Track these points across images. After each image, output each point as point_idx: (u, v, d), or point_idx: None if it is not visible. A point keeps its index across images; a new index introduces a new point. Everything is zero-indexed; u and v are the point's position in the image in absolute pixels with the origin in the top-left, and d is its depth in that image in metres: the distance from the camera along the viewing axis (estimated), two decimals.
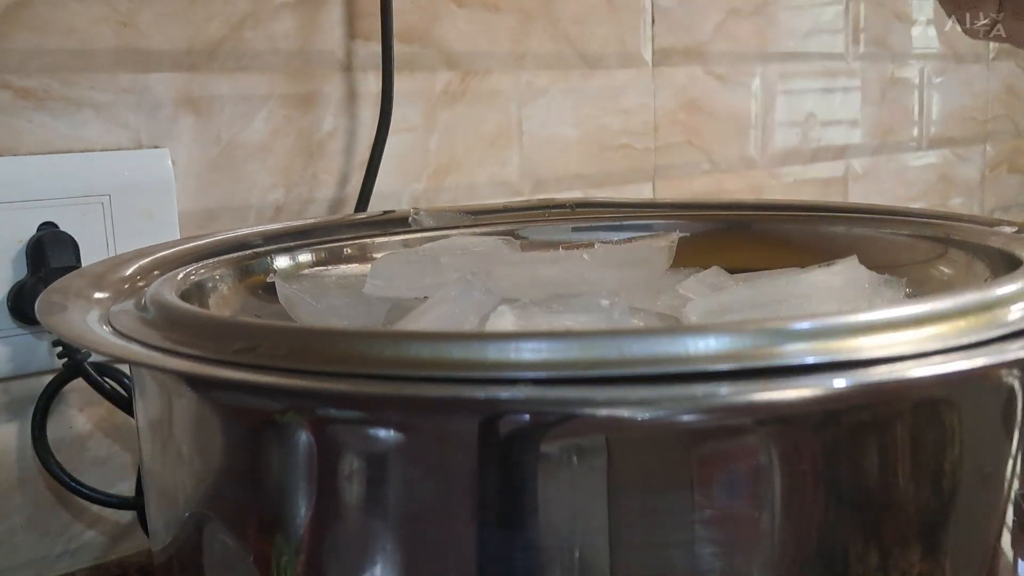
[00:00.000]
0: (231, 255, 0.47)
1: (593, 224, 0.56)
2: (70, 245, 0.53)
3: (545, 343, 0.27)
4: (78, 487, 0.54)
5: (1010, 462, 0.33)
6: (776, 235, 0.53)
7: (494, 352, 0.27)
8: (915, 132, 1.13)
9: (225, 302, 0.44)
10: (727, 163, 0.92)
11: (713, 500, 0.29)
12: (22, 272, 0.53)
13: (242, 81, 0.61)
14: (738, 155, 0.93)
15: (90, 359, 0.53)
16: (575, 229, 0.55)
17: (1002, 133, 1.24)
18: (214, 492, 0.34)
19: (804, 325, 0.28)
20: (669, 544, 0.29)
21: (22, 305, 0.53)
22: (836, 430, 0.30)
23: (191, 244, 0.47)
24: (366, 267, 0.47)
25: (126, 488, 0.58)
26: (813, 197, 0.99)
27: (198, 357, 0.31)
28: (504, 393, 0.27)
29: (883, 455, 0.30)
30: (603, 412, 0.29)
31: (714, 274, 0.44)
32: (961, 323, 0.30)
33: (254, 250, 0.48)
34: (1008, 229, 0.45)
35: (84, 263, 0.54)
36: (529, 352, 0.27)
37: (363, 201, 0.65)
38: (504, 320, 0.38)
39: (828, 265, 0.42)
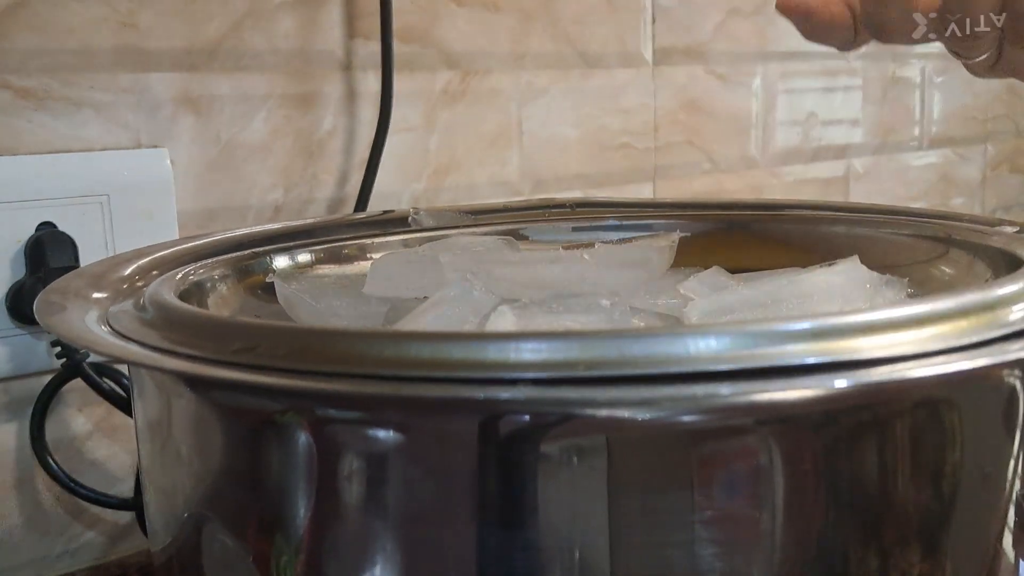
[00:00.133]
0: (230, 255, 0.47)
1: (593, 224, 0.56)
2: (69, 245, 0.53)
3: (545, 343, 0.27)
4: (77, 487, 0.54)
5: (1011, 462, 0.33)
6: (776, 235, 0.53)
7: (494, 352, 0.27)
8: (916, 132, 1.13)
9: (224, 302, 0.44)
10: (727, 163, 0.92)
11: (713, 500, 0.29)
12: (21, 272, 0.53)
13: (242, 81, 0.61)
14: (739, 155, 0.93)
15: (89, 359, 0.53)
16: (575, 229, 0.55)
17: (1003, 133, 1.24)
18: (213, 492, 0.34)
19: (804, 325, 0.28)
20: (669, 544, 0.29)
21: (21, 305, 0.52)
22: (836, 430, 0.30)
23: (190, 244, 0.47)
24: (366, 267, 0.47)
25: (125, 489, 0.57)
26: (814, 197, 0.99)
27: (197, 357, 0.31)
28: (504, 393, 0.27)
29: (884, 455, 0.30)
30: (603, 412, 0.28)
31: (714, 274, 0.44)
32: (962, 323, 0.30)
33: (253, 250, 0.48)
34: (1009, 229, 0.45)
35: (83, 263, 0.54)
36: (529, 352, 0.27)
37: (363, 201, 0.65)
38: (504, 320, 0.38)
39: (829, 265, 0.42)
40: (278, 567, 0.32)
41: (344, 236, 0.52)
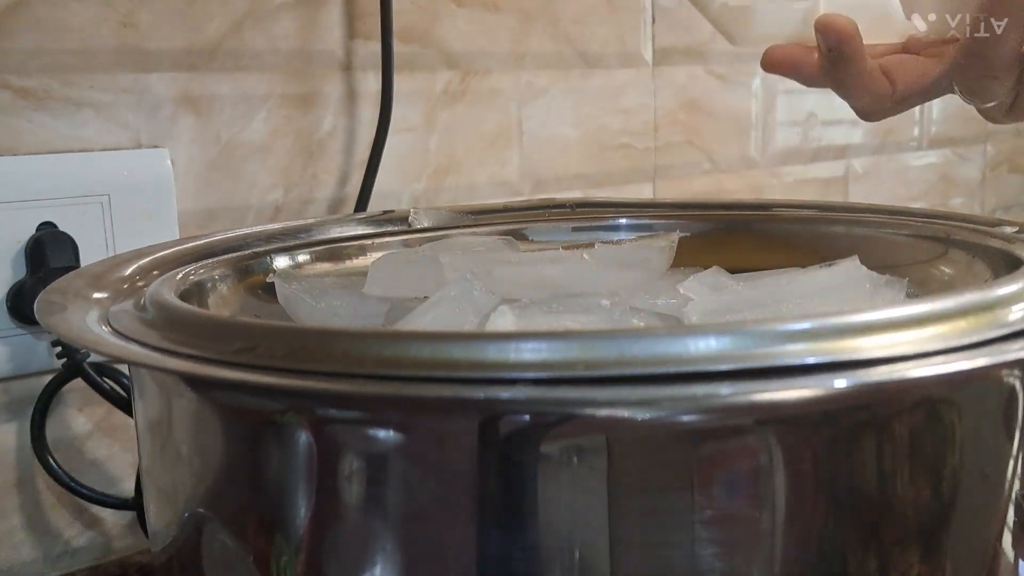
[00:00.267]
0: (230, 255, 0.47)
1: (593, 224, 0.56)
2: (69, 245, 0.53)
3: (545, 343, 0.27)
4: (77, 487, 0.54)
5: (1010, 462, 0.33)
6: (776, 235, 0.53)
7: (494, 352, 0.27)
8: (916, 132, 1.13)
9: (224, 302, 0.44)
10: (727, 163, 0.92)
11: (713, 500, 0.29)
12: (21, 272, 0.53)
13: (242, 81, 0.61)
14: (738, 155, 0.93)
15: (89, 359, 0.53)
16: (575, 229, 0.55)
17: (1003, 133, 1.24)
18: (214, 492, 0.34)
19: (804, 325, 0.28)
20: (669, 544, 0.29)
21: (21, 305, 0.52)
22: (836, 430, 0.30)
23: (190, 244, 0.47)
24: (366, 267, 0.47)
25: (125, 488, 0.57)
26: (813, 197, 0.99)
27: (197, 357, 0.31)
28: (504, 393, 0.27)
29: (883, 455, 0.30)
30: (603, 412, 0.28)
31: (714, 274, 0.44)
32: (962, 323, 0.30)
33: (253, 250, 0.48)
34: (1009, 229, 0.45)
35: (83, 263, 0.54)
36: (529, 352, 0.27)
37: (363, 201, 0.65)
38: (504, 320, 0.38)
39: (829, 265, 0.42)
40: (278, 567, 0.32)
41: (344, 236, 0.52)
